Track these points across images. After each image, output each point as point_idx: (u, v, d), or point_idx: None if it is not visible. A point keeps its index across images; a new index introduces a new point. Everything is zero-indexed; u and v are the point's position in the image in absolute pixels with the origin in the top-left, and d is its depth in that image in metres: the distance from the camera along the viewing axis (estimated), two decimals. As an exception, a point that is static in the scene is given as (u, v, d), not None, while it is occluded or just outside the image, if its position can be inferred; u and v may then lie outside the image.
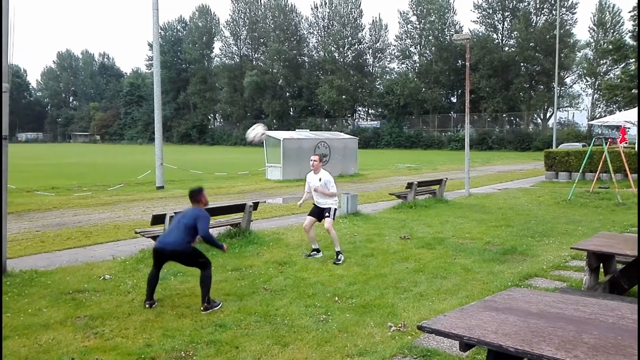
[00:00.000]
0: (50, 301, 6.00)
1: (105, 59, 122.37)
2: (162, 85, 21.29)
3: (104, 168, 30.15)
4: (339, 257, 7.83)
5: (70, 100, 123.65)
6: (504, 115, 61.37)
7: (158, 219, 8.30)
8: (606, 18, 57.65)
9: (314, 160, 8.25)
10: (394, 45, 72.90)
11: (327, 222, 7.98)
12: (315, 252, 8.19)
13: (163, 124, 20.70)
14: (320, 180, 8.07)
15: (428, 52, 68.74)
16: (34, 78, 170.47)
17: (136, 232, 8.84)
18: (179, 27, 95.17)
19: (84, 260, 8.04)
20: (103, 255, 8.47)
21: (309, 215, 8.27)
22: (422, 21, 67.67)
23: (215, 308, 5.72)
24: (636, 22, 43.66)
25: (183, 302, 6.00)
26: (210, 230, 9.25)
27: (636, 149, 21.23)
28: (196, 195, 6.16)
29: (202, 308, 5.67)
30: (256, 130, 8.75)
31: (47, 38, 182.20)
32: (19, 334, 5.00)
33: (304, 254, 8.32)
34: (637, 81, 39.18)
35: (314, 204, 8.30)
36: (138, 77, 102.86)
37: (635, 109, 23.51)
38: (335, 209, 8.21)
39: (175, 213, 6.33)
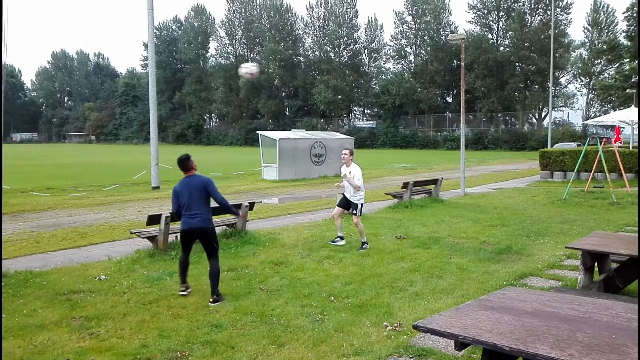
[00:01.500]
0: (45, 302, 5.99)
1: (100, 59, 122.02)
2: (157, 85, 21.27)
3: (99, 168, 30.05)
4: (364, 246, 8.64)
5: (65, 100, 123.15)
6: (499, 115, 61.47)
7: (153, 220, 8.30)
8: (600, 18, 57.84)
9: (345, 154, 8.91)
10: (390, 45, 72.98)
11: (355, 218, 8.82)
12: (338, 239, 9.05)
13: (158, 124, 20.66)
14: (350, 172, 8.70)
15: (423, 52, 68.79)
16: (28, 78, 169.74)
17: (131, 233, 8.83)
18: (174, 27, 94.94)
19: (79, 261, 8.03)
20: (98, 255, 8.46)
21: (337, 205, 9.18)
22: (418, 21, 67.71)
23: (222, 300, 5.96)
24: (630, 22, 43.90)
25: (179, 302, 6.00)
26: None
27: (631, 148, 21.34)
28: (187, 162, 6.29)
29: (211, 300, 5.86)
30: (250, 70, 9.21)
31: (42, 38, 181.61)
32: (14, 335, 4.99)
33: (299, 254, 8.33)
34: (637, 81, 39.37)
35: (343, 194, 9.08)
36: (133, 77, 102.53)
37: (630, 109, 23.65)
38: (362, 204, 8.95)
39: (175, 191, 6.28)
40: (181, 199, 6.16)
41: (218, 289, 5.98)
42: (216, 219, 9.87)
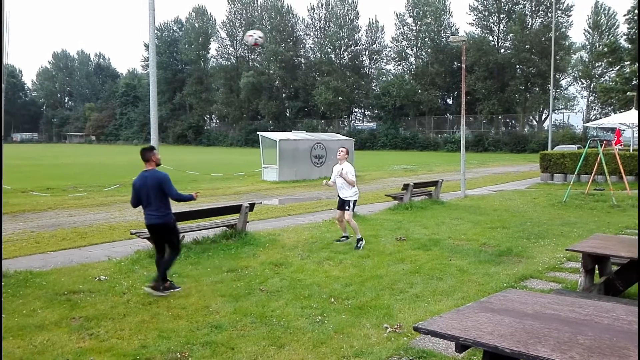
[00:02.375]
0: (45, 302, 5.98)
1: (101, 60, 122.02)
2: (158, 85, 21.26)
3: (99, 169, 30.05)
4: (359, 244, 8.70)
5: (66, 100, 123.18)
6: (500, 117, 61.48)
7: (154, 220, 8.28)
8: (601, 21, 57.87)
9: (341, 151, 9.07)
10: (390, 47, 73.00)
11: (347, 214, 8.91)
12: (344, 239, 9.19)
13: (159, 125, 20.62)
14: (342, 169, 8.88)
15: (424, 54, 68.80)
16: (29, 78, 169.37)
17: (131, 233, 8.80)
18: (175, 28, 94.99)
19: (79, 261, 8.02)
20: (98, 256, 8.45)
21: (337, 208, 9.30)
22: (418, 23, 67.73)
23: (175, 290, 6.22)
24: (631, 24, 43.92)
25: (178, 303, 5.99)
26: (206, 232, 9.35)
27: (631, 151, 21.34)
28: (147, 152, 6.45)
29: (149, 285, 6.20)
30: (255, 36, 9.26)
31: (43, 38, 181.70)
32: (13, 335, 4.99)
33: (299, 255, 8.32)
34: (638, 84, 39.37)
35: (338, 196, 9.19)
36: (134, 77, 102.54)
37: (630, 112, 23.65)
38: (355, 201, 9.07)
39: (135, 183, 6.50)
40: (141, 195, 6.34)
41: (161, 281, 6.20)
42: (216, 220, 9.92)
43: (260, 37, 9.07)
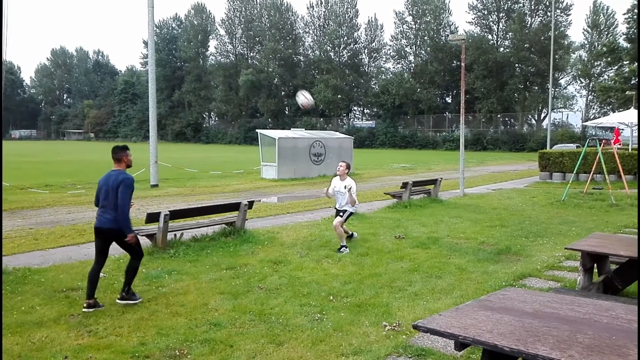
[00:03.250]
0: (43, 299, 5.98)
1: (100, 57, 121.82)
2: (156, 83, 21.24)
3: (97, 166, 29.98)
4: (341, 249, 8.40)
5: (64, 97, 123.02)
6: (499, 115, 61.55)
7: (152, 218, 8.29)
8: (600, 20, 57.91)
9: (341, 166, 8.84)
10: (390, 45, 73.03)
11: (337, 220, 8.70)
12: (344, 248, 8.63)
13: (157, 122, 20.63)
14: (346, 187, 8.63)
15: (423, 52, 68.82)
16: (27, 75, 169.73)
17: (130, 230, 8.79)
18: (174, 25, 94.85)
19: (78, 258, 8.01)
20: (97, 253, 8.43)
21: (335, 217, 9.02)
22: (418, 21, 67.74)
23: (134, 302, 5.70)
24: (630, 24, 43.94)
25: (177, 300, 5.99)
26: (205, 230, 9.34)
27: (630, 150, 21.35)
28: (118, 151, 5.93)
29: (119, 297, 5.76)
30: (305, 99, 9.12)
31: (41, 35, 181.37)
32: (12, 332, 4.98)
33: (298, 253, 8.32)
34: (637, 84, 39.39)
35: (335, 208, 9.02)
36: (133, 74, 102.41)
37: (629, 111, 23.68)
38: (351, 213, 8.90)
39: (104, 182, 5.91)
40: (101, 195, 5.85)
41: (129, 287, 5.78)
42: (215, 217, 9.92)
43: (307, 99, 9.07)
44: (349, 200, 8.61)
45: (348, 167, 8.92)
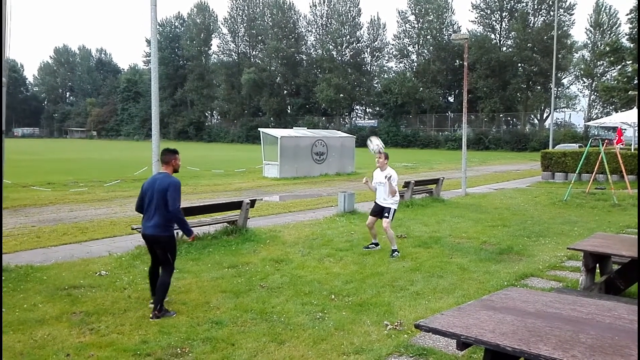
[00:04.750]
0: (45, 297, 5.99)
1: (103, 55, 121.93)
2: (159, 81, 21.24)
3: (100, 164, 30.05)
4: (393, 254, 8.14)
5: (67, 95, 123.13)
6: (501, 115, 61.40)
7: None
8: (603, 20, 57.74)
9: (380, 158, 8.54)
10: (392, 44, 72.84)
11: (385, 222, 8.31)
12: (373, 245, 8.63)
13: (160, 121, 20.59)
14: (386, 177, 8.31)
15: (426, 51, 68.69)
16: (30, 73, 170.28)
17: (132, 229, 8.82)
18: (176, 24, 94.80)
19: (80, 256, 8.02)
20: (99, 251, 8.46)
21: (370, 214, 8.69)
22: (420, 20, 67.59)
23: (168, 316, 5.40)
24: (633, 24, 43.82)
25: (179, 298, 5.99)
26: (207, 228, 9.34)
27: (633, 150, 21.30)
28: (168, 154, 5.74)
29: (151, 315, 5.37)
30: (374, 145, 8.84)
31: (44, 33, 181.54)
32: (14, 329, 4.99)
33: (300, 252, 8.32)
34: (637, 83, 39.29)
35: (375, 202, 8.67)
36: (135, 73, 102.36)
37: (632, 111, 23.61)
38: (395, 210, 8.53)
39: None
40: (145, 199, 5.63)
41: (161, 305, 5.41)
42: (217, 216, 9.92)
43: (378, 146, 8.90)
44: (390, 190, 8.30)
45: (387, 157, 8.55)
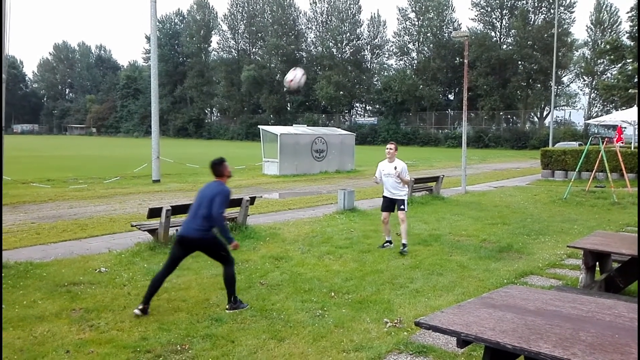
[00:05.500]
0: (45, 293, 5.98)
1: (102, 51, 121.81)
2: (159, 78, 21.21)
3: (99, 161, 30.04)
4: (404, 249, 8.10)
5: (67, 92, 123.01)
6: (501, 113, 61.37)
7: (154, 213, 8.29)
8: (604, 17, 57.70)
9: (390, 149, 8.41)
10: (392, 42, 72.82)
11: (402, 213, 8.29)
12: (388, 244, 8.49)
13: (159, 118, 20.61)
14: (395, 168, 8.21)
15: (426, 49, 68.65)
16: (30, 69, 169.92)
17: (132, 226, 8.82)
18: (176, 20, 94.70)
19: (80, 253, 8.02)
20: (99, 248, 8.45)
21: (383, 210, 8.58)
22: (421, 18, 67.51)
23: (242, 308, 5.48)
24: (634, 22, 43.78)
25: (179, 295, 5.99)
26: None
27: (633, 148, 21.31)
28: (217, 167, 5.72)
29: (227, 307, 5.48)
30: (297, 78, 8.34)
31: (44, 29, 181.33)
32: (13, 326, 4.99)
33: (300, 249, 8.31)
34: (637, 82, 39.27)
35: (384, 197, 8.58)
36: (135, 69, 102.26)
37: (632, 109, 23.60)
38: (407, 201, 8.46)
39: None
40: (194, 203, 5.64)
41: (235, 296, 5.53)
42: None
43: (295, 78, 8.24)
44: (403, 182, 8.22)
45: (396, 148, 8.46)
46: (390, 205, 8.47)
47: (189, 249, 5.65)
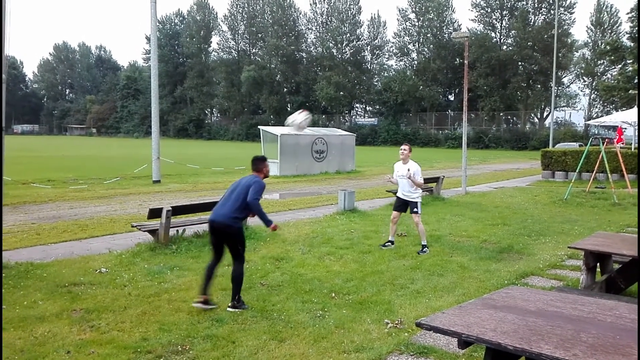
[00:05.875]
0: (46, 294, 5.98)
1: (102, 52, 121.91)
2: (159, 78, 21.21)
3: (100, 161, 30.04)
4: (424, 250, 8.19)
5: (67, 92, 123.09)
6: (501, 114, 61.40)
7: (155, 213, 8.29)
8: (604, 18, 57.71)
9: (404, 150, 8.41)
10: (392, 43, 72.88)
11: (416, 217, 8.34)
12: (390, 244, 8.52)
13: (159, 118, 20.61)
14: (408, 170, 8.21)
15: (426, 49, 68.70)
16: (30, 70, 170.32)
17: (132, 226, 8.82)
18: (176, 21, 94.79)
19: (80, 253, 8.01)
20: (99, 248, 8.45)
21: (395, 209, 8.61)
22: (421, 19, 67.57)
23: (243, 309, 5.52)
24: (634, 23, 43.79)
25: (179, 296, 5.99)
26: (206, 226, 9.31)
27: (633, 149, 21.31)
28: (258, 163, 5.87)
29: (229, 305, 5.53)
30: (299, 119, 8.14)
31: (44, 30, 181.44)
32: (14, 326, 4.98)
33: (300, 250, 8.31)
34: (637, 82, 39.28)
35: (397, 197, 8.61)
36: (135, 70, 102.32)
37: (632, 110, 23.61)
38: (420, 203, 8.47)
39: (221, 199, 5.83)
40: (227, 192, 5.82)
41: (239, 296, 5.58)
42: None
43: (301, 120, 8.08)
44: (416, 184, 8.23)
45: (410, 150, 8.45)
46: (402, 205, 8.49)
47: (219, 236, 5.71)
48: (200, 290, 5.61)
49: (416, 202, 8.35)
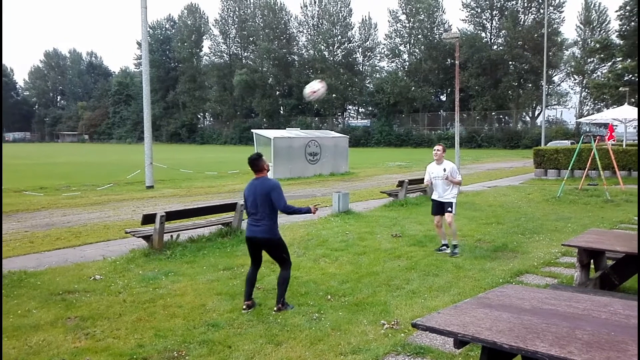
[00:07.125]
0: (40, 302, 5.94)
1: (93, 58, 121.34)
2: (150, 84, 21.16)
3: (92, 168, 29.90)
4: (455, 251, 8.07)
5: (58, 99, 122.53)
6: (493, 113, 61.64)
7: (148, 219, 8.26)
8: (592, 17, 58.09)
9: (438, 150, 8.24)
10: (384, 44, 73.01)
11: (449, 216, 8.13)
12: (445, 247, 8.33)
13: (152, 123, 20.56)
14: (445, 170, 8.09)
15: (417, 50, 68.88)
16: (21, 77, 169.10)
17: (126, 232, 8.78)
18: (167, 26, 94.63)
19: (74, 261, 7.97)
20: (93, 255, 8.40)
21: (434, 214, 8.42)
22: (412, 20, 67.78)
23: (288, 309, 5.62)
24: (623, 21, 44.12)
25: (174, 301, 5.96)
26: (201, 230, 9.33)
27: (624, 146, 21.44)
28: (257, 162, 5.82)
29: (275, 308, 5.59)
30: (316, 89, 7.71)
31: (34, 37, 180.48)
32: (8, 336, 4.95)
33: (295, 252, 8.30)
34: (638, 80, 39.56)
35: (432, 201, 8.48)
36: (126, 76, 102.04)
37: (622, 107, 23.77)
38: (455, 203, 8.30)
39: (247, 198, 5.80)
40: (247, 203, 5.80)
41: (283, 299, 5.67)
42: (211, 218, 9.89)
43: (316, 88, 7.77)
44: (455, 183, 8.11)
45: (444, 149, 8.29)
46: (439, 208, 8.31)
47: (258, 248, 5.83)
48: (245, 297, 5.74)
49: (451, 203, 8.20)
